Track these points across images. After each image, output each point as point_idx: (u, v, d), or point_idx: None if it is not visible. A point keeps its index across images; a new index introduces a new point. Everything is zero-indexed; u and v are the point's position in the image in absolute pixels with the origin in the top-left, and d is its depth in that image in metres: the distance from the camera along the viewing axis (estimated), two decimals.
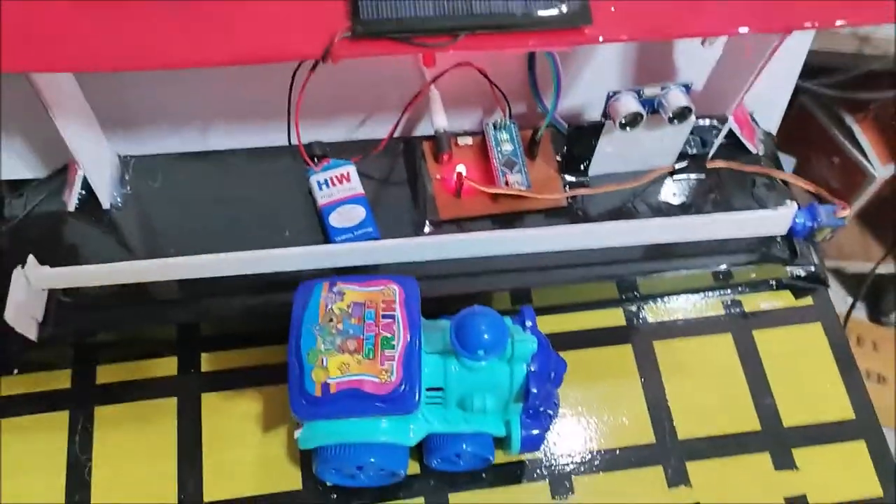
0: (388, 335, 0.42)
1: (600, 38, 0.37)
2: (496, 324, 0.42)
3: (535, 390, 0.43)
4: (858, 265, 1.15)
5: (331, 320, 0.42)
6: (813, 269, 0.55)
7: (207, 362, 0.52)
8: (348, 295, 0.43)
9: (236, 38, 0.35)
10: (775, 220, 0.52)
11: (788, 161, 1.15)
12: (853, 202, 1.15)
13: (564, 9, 0.36)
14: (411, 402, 0.41)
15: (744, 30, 0.38)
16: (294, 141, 0.51)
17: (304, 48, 0.36)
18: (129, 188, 0.54)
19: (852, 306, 1.01)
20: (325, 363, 0.41)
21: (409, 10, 0.35)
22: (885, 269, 1.18)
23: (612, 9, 0.37)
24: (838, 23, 0.39)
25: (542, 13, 0.36)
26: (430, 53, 0.45)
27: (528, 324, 0.45)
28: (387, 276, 0.45)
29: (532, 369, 0.44)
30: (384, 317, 0.42)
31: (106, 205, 0.53)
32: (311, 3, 0.36)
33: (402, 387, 0.41)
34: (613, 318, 0.56)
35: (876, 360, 1.20)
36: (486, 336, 0.42)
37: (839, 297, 1.11)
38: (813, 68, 0.80)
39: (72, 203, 0.53)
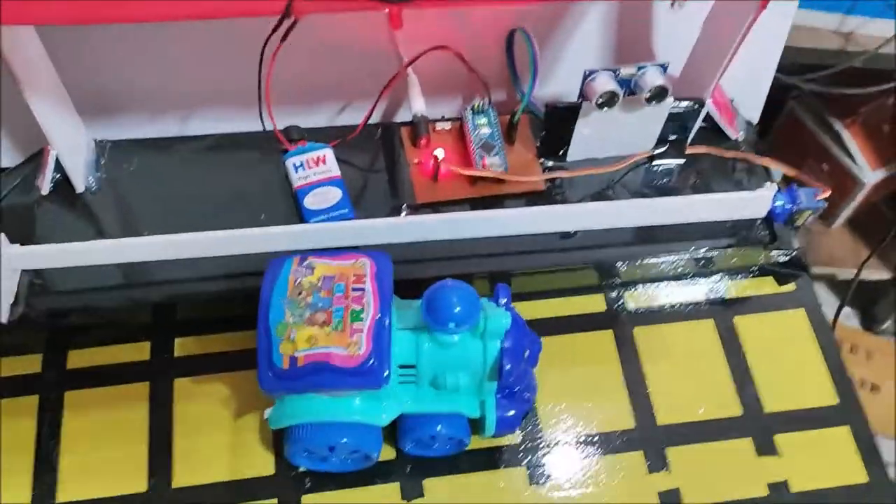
0: (358, 308, 0.41)
1: None
2: (468, 296, 0.41)
3: (508, 367, 0.43)
4: (849, 272, 1.14)
5: (300, 293, 0.41)
6: (794, 254, 0.54)
7: (181, 347, 0.52)
8: (319, 269, 0.43)
9: None
10: (755, 201, 0.51)
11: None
12: (844, 208, 1.14)
13: None
14: (380, 375, 0.40)
15: None
16: (269, 126, 0.51)
17: (268, 4, 0.36)
18: (103, 172, 0.54)
19: (839, 309, 1.00)
20: (293, 336, 0.40)
21: None
22: (878, 276, 1.18)
23: None
24: None
25: None
26: (397, 10, 0.45)
27: (503, 301, 0.45)
28: (359, 251, 0.44)
29: (506, 346, 0.43)
30: (354, 290, 0.42)
31: (80, 188, 0.53)
32: None
33: (371, 360, 0.40)
34: (594, 304, 0.55)
35: (869, 368, 1.19)
36: (457, 309, 0.41)
37: (829, 304, 1.10)
38: (798, 66, 0.80)
39: (45, 187, 0.52)
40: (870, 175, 1.08)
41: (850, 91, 0.82)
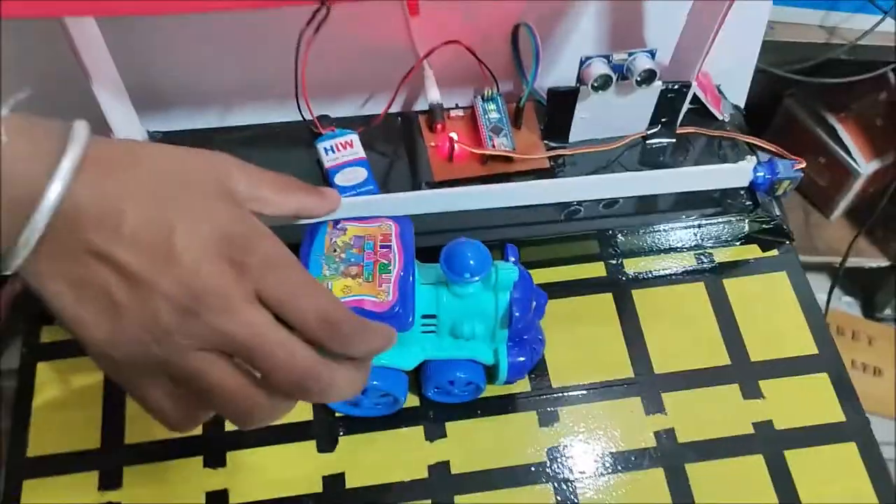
0: (385, 262, 0.47)
1: None
2: (480, 250, 0.47)
3: (517, 314, 0.49)
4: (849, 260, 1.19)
5: (335, 251, 0.48)
6: (776, 221, 0.60)
7: None
8: (350, 230, 0.49)
9: None
10: (737, 172, 0.57)
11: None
12: (841, 199, 1.20)
13: None
14: (405, 319, 0.46)
15: None
16: (303, 115, 0.58)
17: None
18: None
19: (831, 289, 1.05)
20: (330, 286, 0.47)
21: None
22: (878, 264, 1.22)
23: None
24: None
25: None
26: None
27: (511, 259, 0.51)
28: (384, 216, 0.51)
29: (515, 296, 0.49)
30: (382, 247, 0.48)
31: None
32: None
33: (397, 306, 0.46)
34: (596, 270, 0.61)
35: (871, 354, 1.24)
36: (471, 261, 0.47)
37: (826, 290, 1.16)
38: (788, 59, 0.86)
39: None
40: (864, 167, 1.13)
41: (835, 80, 0.88)
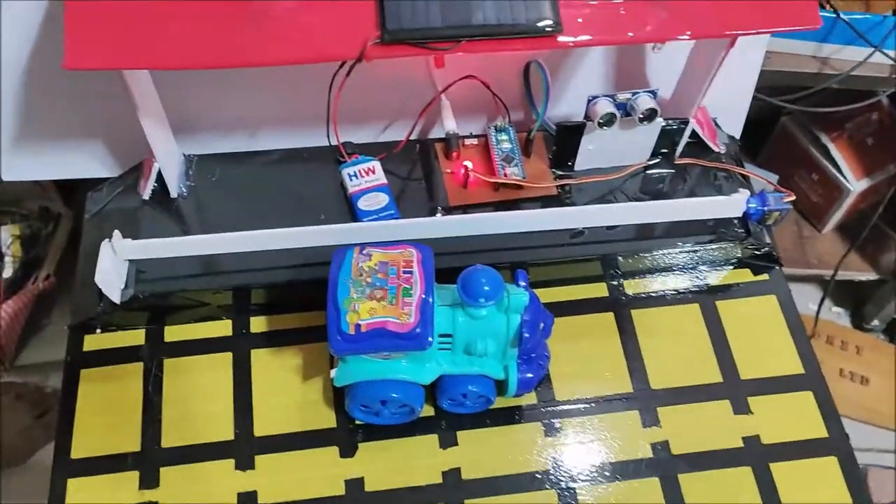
0: (408, 286, 0.52)
1: (570, 43, 0.48)
2: (494, 277, 0.52)
3: (527, 335, 0.53)
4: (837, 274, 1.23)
5: (361, 275, 0.52)
6: (766, 248, 0.64)
7: (255, 325, 0.62)
8: (375, 256, 0.53)
9: (300, 46, 0.47)
10: (731, 204, 0.62)
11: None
12: (832, 215, 1.24)
13: (542, 20, 0.47)
14: (425, 339, 0.51)
15: (682, 37, 0.49)
16: (328, 142, 0.63)
17: (345, 51, 0.47)
18: (192, 181, 0.65)
19: (821, 301, 1.10)
20: (357, 308, 0.51)
21: (422, 21, 0.46)
22: (867, 277, 1.27)
23: (579, 20, 0.48)
24: (760, 30, 0.50)
25: (524, 24, 0.47)
26: (440, 55, 0.55)
27: (522, 283, 0.55)
28: (406, 242, 0.55)
29: (525, 318, 0.53)
30: (404, 272, 0.52)
31: (174, 194, 0.64)
32: (350, 19, 0.47)
33: (418, 327, 0.51)
34: (599, 290, 0.65)
35: (859, 363, 1.29)
36: (486, 287, 0.52)
37: (817, 302, 1.20)
38: (786, 88, 0.91)
39: (146, 193, 0.64)
40: (855, 184, 1.18)
41: (828, 109, 0.92)
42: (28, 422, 0.85)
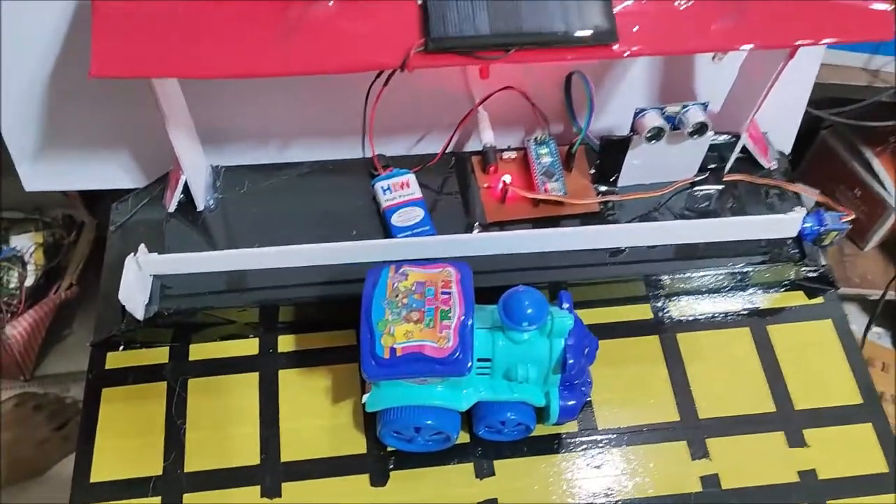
0: (446, 308, 0.49)
1: (626, 53, 0.45)
2: (538, 300, 0.49)
3: (571, 360, 0.50)
4: (880, 292, 1.19)
5: (397, 296, 0.50)
6: (822, 270, 0.61)
7: (283, 344, 0.60)
8: (412, 275, 0.51)
9: (339, 54, 0.44)
10: (786, 223, 0.58)
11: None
12: (875, 232, 1.20)
13: (596, 29, 0.44)
14: (464, 364, 0.48)
15: (747, 47, 0.46)
16: (360, 154, 0.60)
17: (386, 60, 0.44)
18: (219, 193, 0.63)
19: (868, 325, 1.05)
20: (392, 331, 0.48)
21: (469, 29, 0.43)
22: None
23: (635, 28, 0.45)
24: (829, 40, 0.47)
25: (577, 33, 0.44)
26: (486, 65, 0.52)
27: (566, 305, 0.52)
28: (445, 261, 0.52)
29: (569, 343, 0.50)
30: (443, 293, 0.50)
31: (200, 207, 0.62)
32: (393, 26, 0.44)
33: (457, 352, 0.48)
34: (642, 312, 0.62)
35: None
36: (529, 310, 0.49)
37: (861, 323, 1.16)
38: (829, 100, 0.87)
39: (172, 205, 0.61)
40: None
41: (878, 124, 0.88)
42: (47, 433, 0.83)
